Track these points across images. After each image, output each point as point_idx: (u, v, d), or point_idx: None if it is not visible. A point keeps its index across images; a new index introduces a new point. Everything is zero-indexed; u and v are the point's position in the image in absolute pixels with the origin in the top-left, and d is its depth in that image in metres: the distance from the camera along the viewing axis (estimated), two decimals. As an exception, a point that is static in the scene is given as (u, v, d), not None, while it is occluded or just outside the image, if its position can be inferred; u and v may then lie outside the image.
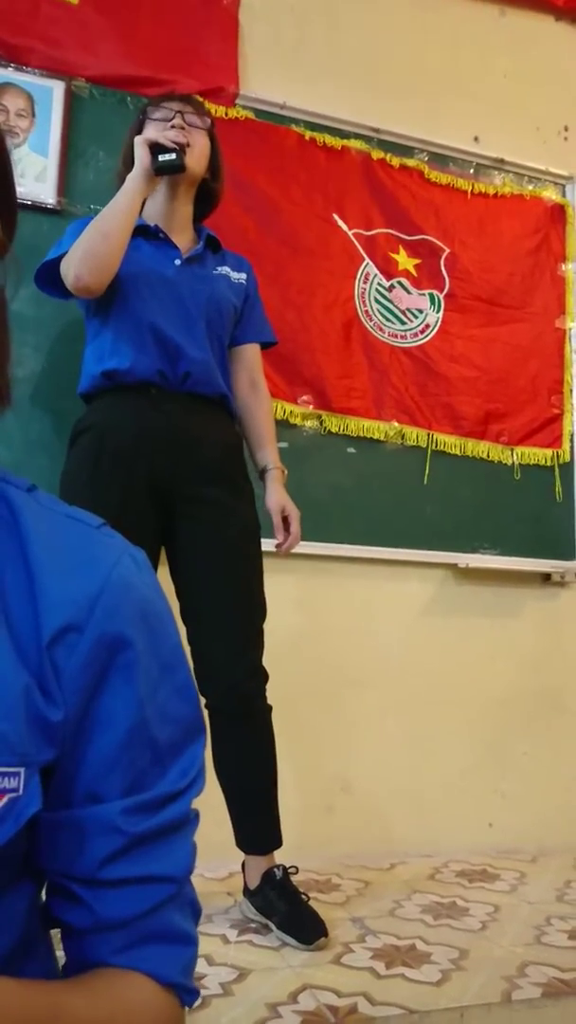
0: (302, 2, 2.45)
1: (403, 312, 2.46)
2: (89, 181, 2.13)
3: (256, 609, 1.71)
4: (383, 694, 2.32)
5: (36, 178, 2.07)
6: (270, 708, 1.70)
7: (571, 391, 2.65)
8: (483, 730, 2.42)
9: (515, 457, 2.54)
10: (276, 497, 1.78)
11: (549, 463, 2.58)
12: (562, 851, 2.34)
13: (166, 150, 1.69)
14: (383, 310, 2.44)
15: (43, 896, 0.56)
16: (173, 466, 1.66)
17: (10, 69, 2.07)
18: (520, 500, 2.54)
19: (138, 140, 1.71)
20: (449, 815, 2.33)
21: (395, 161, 2.49)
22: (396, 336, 2.44)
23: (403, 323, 2.46)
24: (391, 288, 2.46)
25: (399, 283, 2.47)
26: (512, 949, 1.57)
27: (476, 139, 2.63)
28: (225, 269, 1.82)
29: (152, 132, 1.73)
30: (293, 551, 1.82)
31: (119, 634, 0.54)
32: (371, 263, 2.43)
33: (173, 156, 1.69)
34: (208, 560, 1.67)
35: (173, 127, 1.73)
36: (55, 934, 0.57)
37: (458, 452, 2.47)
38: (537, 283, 2.65)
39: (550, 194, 2.71)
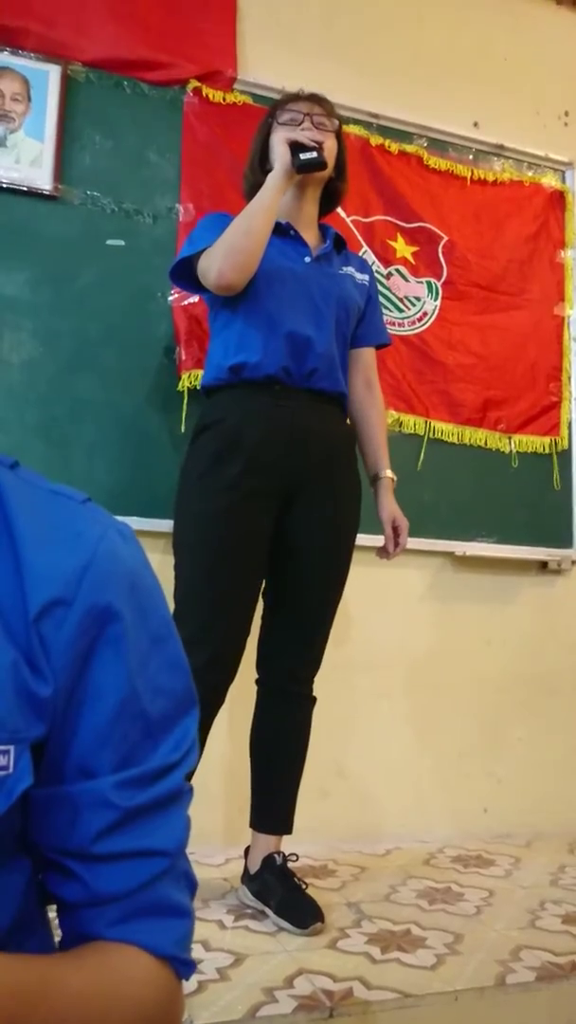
0: (300, -15, 2.43)
1: (401, 300, 2.45)
2: (86, 166, 2.11)
3: (336, 604, 1.78)
4: (379, 680, 2.32)
5: (32, 163, 2.05)
6: (315, 699, 1.76)
7: (569, 378, 2.64)
8: (478, 716, 2.43)
9: (513, 445, 2.54)
10: (388, 508, 1.82)
11: (547, 451, 2.58)
12: (556, 836, 2.35)
13: (306, 148, 1.70)
14: (381, 297, 2.41)
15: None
16: (290, 462, 1.67)
17: (6, 53, 2.05)
18: (518, 488, 2.53)
19: (277, 139, 1.72)
20: (444, 800, 2.34)
21: (394, 147, 2.47)
22: (394, 324, 2.42)
23: (401, 311, 2.45)
24: (389, 276, 2.45)
25: (397, 271, 2.46)
26: (506, 933, 1.58)
27: (476, 124, 2.61)
28: (350, 269, 1.84)
29: (288, 132, 1.74)
30: None
31: (107, 606, 0.53)
32: (369, 250, 2.42)
33: (314, 154, 1.70)
34: (307, 554, 1.71)
35: (303, 130, 1.74)
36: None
37: (455, 440, 2.46)
38: (536, 270, 2.64)
39: (550, 180, 2.69)
